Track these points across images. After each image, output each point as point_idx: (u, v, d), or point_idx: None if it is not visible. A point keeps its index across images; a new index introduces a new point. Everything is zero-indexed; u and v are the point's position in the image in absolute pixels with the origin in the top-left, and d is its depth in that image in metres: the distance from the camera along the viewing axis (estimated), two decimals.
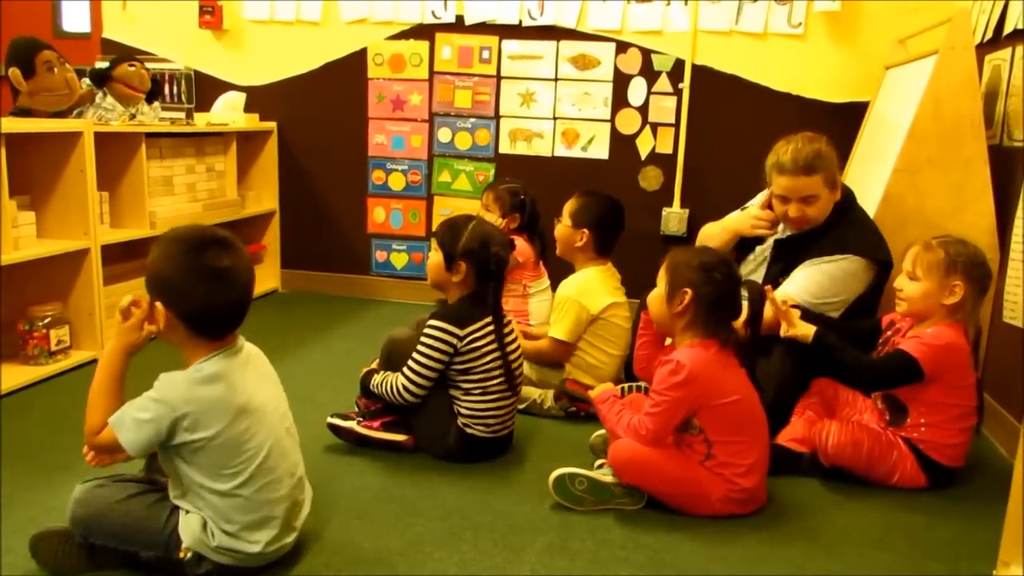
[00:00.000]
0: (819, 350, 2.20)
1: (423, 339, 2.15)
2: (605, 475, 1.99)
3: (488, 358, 2.18)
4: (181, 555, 1.56)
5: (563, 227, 2.74)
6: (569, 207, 2.74)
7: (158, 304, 1.54)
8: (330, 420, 2.28)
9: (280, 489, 1.62)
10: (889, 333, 2.28)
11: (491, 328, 2.19)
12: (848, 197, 2.46)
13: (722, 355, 1.96)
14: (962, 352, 2.12)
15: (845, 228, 2.38)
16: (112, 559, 1.63)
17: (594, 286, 2.67)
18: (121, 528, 1.58)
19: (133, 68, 3.27)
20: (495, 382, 2.19)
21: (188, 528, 1.56)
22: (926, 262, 2.14)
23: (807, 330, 2.20)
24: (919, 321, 2.19)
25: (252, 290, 1.62)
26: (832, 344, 2.19)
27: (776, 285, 2.38)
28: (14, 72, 2.96)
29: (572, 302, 2.63)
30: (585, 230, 2.68)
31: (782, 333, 2.22)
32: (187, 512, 1.58)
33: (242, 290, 1.59)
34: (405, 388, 2.16)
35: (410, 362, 2.16)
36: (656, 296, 2.05)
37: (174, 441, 1.52)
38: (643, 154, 3.77)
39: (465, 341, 2.15)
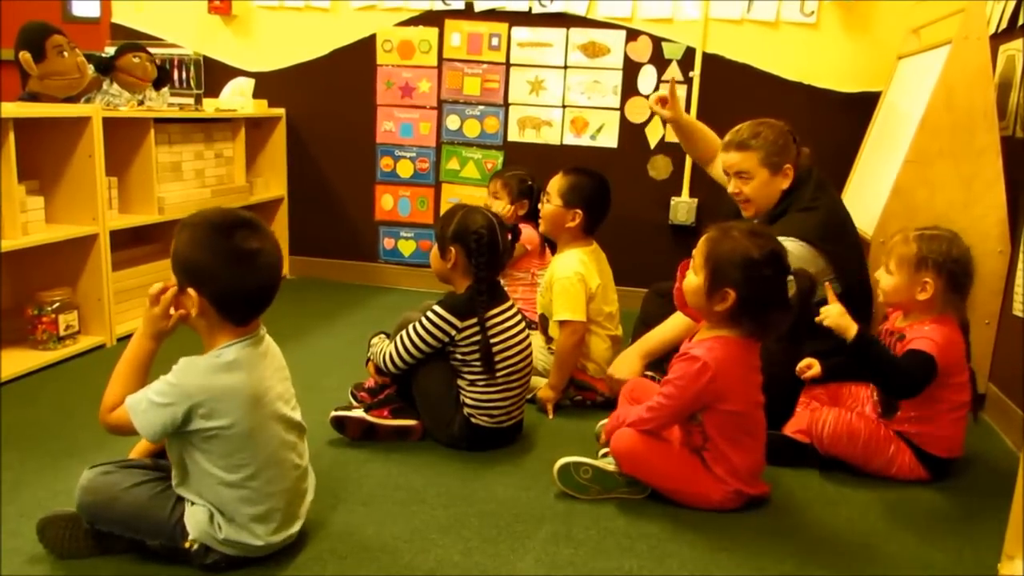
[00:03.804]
0: (859, 347, 2.02)
1: (422, 320, 2.17)
2: (610, 464, 1.99)
3: (492, 350, 2.18)
4: (187, 546, 1.56)
5: (553, 207, 2.62)
6: (558, 185, 2.62)
7: (190, 290, 1.51)
8: (335, 414, 2.24)
9: (285, 481, 1.62)
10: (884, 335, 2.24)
11: (497, 320, 2.20)
12: (803, 185, 2.45)
13: (748, 355, 1.90)
14: (959, 347, 2.10)
15: (793, 214, 2.43)
16: (119, 544, 1.63)
17: (587, 266, 2.59)
18: (127, 516, 1.58)
19: (138, 60, 3.23)
20: (501, 373, 2.20)
21: (194, 520, 1.56)
22: (898, 256, 2.12)
23: (852, 326, 2.02)
24: (906, 314, 2.17)
25: (280, 273, 1.62)
26: (870, 339, 2.05)
27: None
28: (25, 56, 2.94)
29: (575, 278, 2.53)
30: (579, 210, 2.59)
31: (824, 318, 2.04)
32: (192, 504, 1.57)
33: (270, 273, 1.57)
34: (391, 357, 2.22)
35: (404, 335, 2.19)
36: (694, 287, 1.89)
37: (190, 427, 1.50)
38: (652, 143, 3.75)
39: (464, 333, 2.15)
